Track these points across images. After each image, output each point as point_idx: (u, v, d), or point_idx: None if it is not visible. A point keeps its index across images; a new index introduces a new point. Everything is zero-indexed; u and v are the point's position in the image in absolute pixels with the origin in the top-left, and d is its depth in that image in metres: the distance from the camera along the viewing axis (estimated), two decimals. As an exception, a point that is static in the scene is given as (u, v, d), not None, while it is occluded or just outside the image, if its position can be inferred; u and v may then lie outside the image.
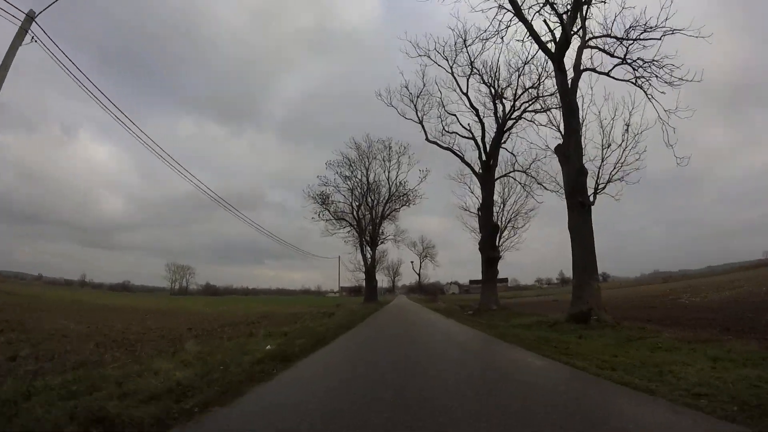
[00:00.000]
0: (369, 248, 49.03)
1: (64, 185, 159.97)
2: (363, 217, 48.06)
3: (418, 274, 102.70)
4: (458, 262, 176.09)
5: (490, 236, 27.91)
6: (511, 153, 30.43)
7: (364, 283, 58.48)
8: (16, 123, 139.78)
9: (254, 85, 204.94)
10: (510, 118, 29.00)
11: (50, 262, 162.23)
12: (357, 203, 47.24)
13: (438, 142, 31.38)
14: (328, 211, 45.86)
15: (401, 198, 46.10)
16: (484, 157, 29.32)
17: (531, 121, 28.52)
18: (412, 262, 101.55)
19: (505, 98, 28.78)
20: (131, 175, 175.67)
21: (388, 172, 46.31)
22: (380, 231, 49.18)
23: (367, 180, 46.60)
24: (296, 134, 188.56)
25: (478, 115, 28.82)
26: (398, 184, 45.85)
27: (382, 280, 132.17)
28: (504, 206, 31.23)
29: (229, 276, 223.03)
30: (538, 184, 29.80)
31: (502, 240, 30.58)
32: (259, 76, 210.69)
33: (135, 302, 38.56)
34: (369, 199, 47.15)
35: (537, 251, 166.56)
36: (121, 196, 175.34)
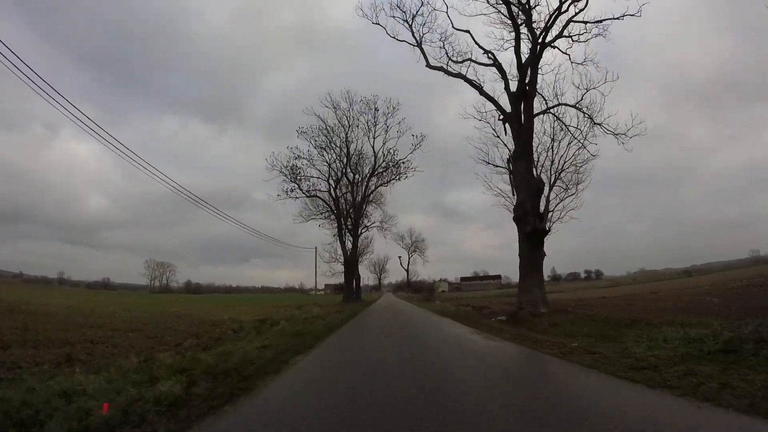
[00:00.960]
0: (350, 236, 37.96)
1: (47, 183, 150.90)
2: (342, 196, 36.98)
3: (407, 270, 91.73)
4: (445, 260, 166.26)
5: (531, 198, 17.11)
6: (542, 96, 19.76)
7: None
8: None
9: (240, 84, 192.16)
10: (546, 42, 18.37)
11: (33, 260, 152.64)
12: (335, 179, 36.14)
13: (444, 67, 20.59)
14: (299, 187, 34.66)
15: (390, 170, 35.14)
16: (514, 87, 18.61)
17: (565, 53, 18.52)
18: (399, 257, 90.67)
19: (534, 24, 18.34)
20: (115, 173, 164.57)
21: (374, 139, 35.36)
22: (363, 213, 38.09)
23: (347, 150, 35.51)
24: (283, 133, 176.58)
25: (510, 12, 18.09)
26: (386, 152, 34.91)
27: (368, 278, 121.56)
28: (554, 154, 20.14)
29: (215, 275, 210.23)
30: (596, 124, 19.32)
31: (547, 205, 19.37)
32: (244, 75, 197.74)
33: (94, 302, 28.27)
34: (349, 174, 36.06)
35: (514, 248, 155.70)
36: (105, 195, 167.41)
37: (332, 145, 35.43)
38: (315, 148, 34.91)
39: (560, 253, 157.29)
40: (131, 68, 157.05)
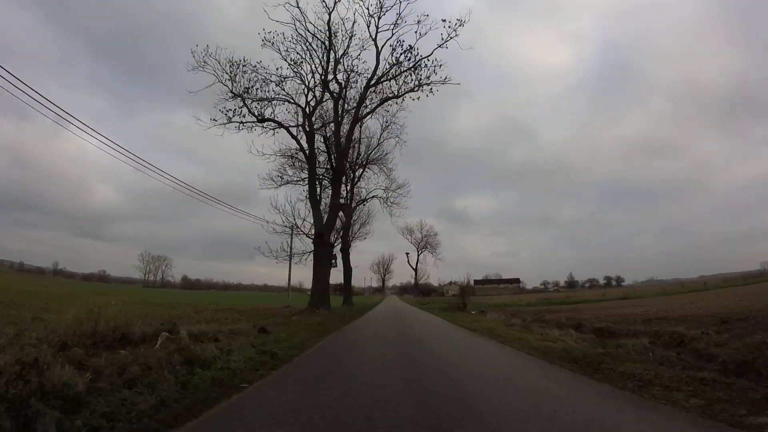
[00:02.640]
0: (328, 195, 21.32)
1: (54, 174, 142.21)
2: (320, 129, 20.41)
3: (415, 269, 74.34)
4: (451, 265, 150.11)
5: None
6: None
7: (344, 279, 31.43)
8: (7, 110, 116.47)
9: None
10: None
11: (37, 250, 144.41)
12: (312, 105, 19.66)
13: None
14: (246, 105, 18.25)
15: (402, 76, 18.35)
16: None
17: None
18: (407, 253, 73.38)
19: None
20: (124, 165, 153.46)
21: (377, 32, 18.83)
22: (354, 153, 21.38)
23: (329, 44, 18.96)
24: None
25: None
26: (396, 47, 18.28)
27: (370, 278, 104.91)
28: None
29: (222, 271, 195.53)
30: None
31: None
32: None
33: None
34: (333, 85, 19.34)
35: (530, 255, 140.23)
36: (113, 186, 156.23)
37: (312, 50, 19.12)
38: (286, 61, 18.80)
39: (560, 261, 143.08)
40: (145, 59, 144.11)
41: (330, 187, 21.72)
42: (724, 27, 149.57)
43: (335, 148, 18.76)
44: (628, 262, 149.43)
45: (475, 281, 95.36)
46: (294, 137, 19.49)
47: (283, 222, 17.39)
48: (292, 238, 24.87)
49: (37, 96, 10.40)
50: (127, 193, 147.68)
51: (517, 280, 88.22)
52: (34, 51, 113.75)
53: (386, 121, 25.92)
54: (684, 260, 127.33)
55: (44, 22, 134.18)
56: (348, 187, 29.18)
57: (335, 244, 25.20)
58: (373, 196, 30.43)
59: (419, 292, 79.54)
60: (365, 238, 36.70)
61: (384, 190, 29.08)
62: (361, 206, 31.44)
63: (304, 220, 18.16)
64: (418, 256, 70.74)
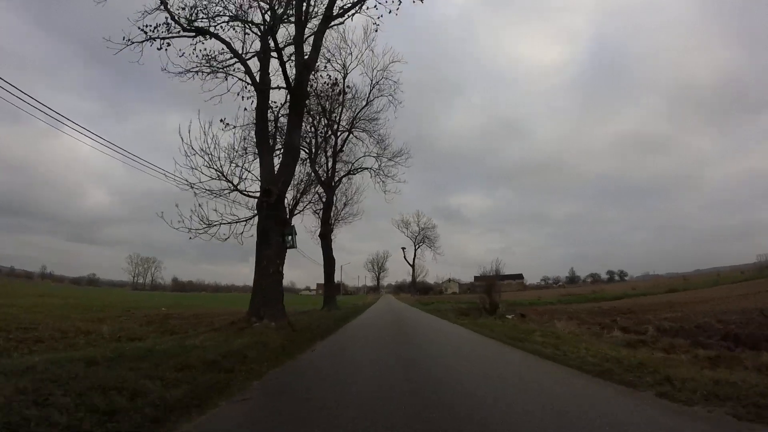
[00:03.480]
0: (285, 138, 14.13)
1: (47, 177, 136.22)
2: (280, 44, 13.19)
3: (412, 266, 67.09)
4: (447, 263, 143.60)
5: None
6: None
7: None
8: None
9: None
10: None
11: (28, 255, 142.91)
12: (269, 15, 12.61)
13: None
14: (172, 16, 11.11)
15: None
16: None
17: None
18: (403, 248, 66.25)
19: None
20: (114, 169, 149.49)
21: None
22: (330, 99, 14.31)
23: None
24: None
25: None
26: None
27: (364, 276, 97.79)
28: None
29: (211, 273, 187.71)
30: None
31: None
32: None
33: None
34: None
35: (524, 252, 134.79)
36: (106, 190, 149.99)
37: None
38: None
39: (555, 258, 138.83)
40: (136, 62, 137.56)
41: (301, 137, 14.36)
42: (716, 24, 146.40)
43: (296, 58, 11.63)
44: (622, 258, 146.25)
45: (475, 278, 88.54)
46: (238, 56, 12.34)
47: (193, 165, 9.87)
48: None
49: (27, 98, 8.01)
50: (119, 197, 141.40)
51: (520, 276, 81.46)
52: (19, 52, 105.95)
53: (377, 76, 19.49)
54: (676, 255, 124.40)
55: (34, 23, 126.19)
56: (328, 155, 22.13)
57: (295, 212, 18.15)
58: (361, 168, 23.45)
59: (417, 290, 72.45)
60: (352, 221, 29.14)
61: (376, 157, 22.19)
62: (346, 179, 24.37)
63: (233, 163, 10.59)
64: (416, 251, 63.75)
